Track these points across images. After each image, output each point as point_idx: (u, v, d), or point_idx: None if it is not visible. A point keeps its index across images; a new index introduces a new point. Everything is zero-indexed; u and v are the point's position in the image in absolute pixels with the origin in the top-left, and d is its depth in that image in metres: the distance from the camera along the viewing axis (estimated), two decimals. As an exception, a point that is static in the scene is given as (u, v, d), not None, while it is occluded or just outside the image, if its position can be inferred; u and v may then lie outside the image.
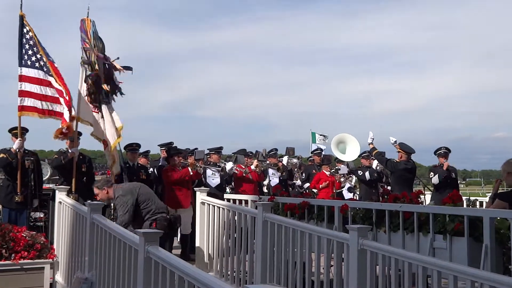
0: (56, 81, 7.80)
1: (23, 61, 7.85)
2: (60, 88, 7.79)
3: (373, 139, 10.30)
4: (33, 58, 7.84)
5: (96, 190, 7.03)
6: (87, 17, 8.10)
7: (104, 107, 8.16)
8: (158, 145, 10.69)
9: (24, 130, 8.17)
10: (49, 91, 7.84)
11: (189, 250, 8.97)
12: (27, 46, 7.88)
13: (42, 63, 7.87)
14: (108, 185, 7.01)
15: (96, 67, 7.95)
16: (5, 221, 7.67)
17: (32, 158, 8.19)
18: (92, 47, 7.96)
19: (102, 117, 8.16)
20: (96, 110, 8.25)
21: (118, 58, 8.21)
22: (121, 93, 8.30)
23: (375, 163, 11.86)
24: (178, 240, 9.75)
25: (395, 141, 9.93)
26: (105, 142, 8.21)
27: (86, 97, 8.11)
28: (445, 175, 10.54)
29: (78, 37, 8.10)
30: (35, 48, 7.88)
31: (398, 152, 9.82)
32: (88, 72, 8.05)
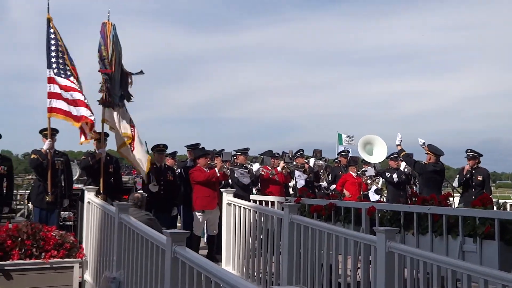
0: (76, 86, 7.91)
1: (51, 64, 7.99)
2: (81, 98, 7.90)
3: (401, 140, 10.18)
4: (61, 66, 7.92)
5: None
6: (108, 20, 8.17)
7: (116, 112, 8.26)
8: (185, 146, 10.76)
9: (54, 131, 8.31)
10: (76, 96, 7.91)
11: (215, 250, 9.00)
12: (53, 48, 8.00)
13: (68, 72, 7.95)
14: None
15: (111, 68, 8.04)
16: (36, 220, 7.81)
17: (62, 159, 8.33)
18: (109, 52, 8.02)
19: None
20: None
21: (142, 73, 8.36)
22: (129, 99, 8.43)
23: (403, 165, 11.73)
24: (205, 240, 9.79)
25: (424, 143, 9.80)
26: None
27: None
28: (463, 178, 10.40)
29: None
30: (60, 53, 7.98)
31: (427, 154, 9.69)
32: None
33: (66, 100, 7.89)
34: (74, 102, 7.87)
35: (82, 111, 7.82)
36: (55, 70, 7.92)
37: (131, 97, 8.52)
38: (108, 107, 8.21)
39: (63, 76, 7.93)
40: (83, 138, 8.05)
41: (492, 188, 12.31)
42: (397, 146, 10.29)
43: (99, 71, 8.09)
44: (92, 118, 7.90)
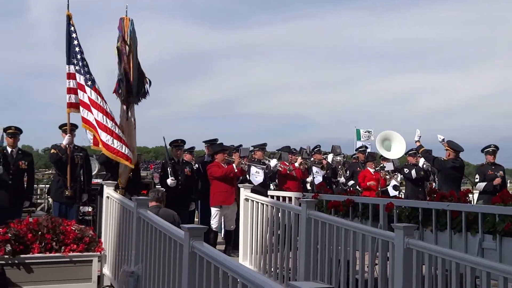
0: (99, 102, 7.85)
1: (71, 60, 8.01)
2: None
3: (420, 136, 10.11)
4: (87, 75, 7.86)
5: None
6: (126, 15, 8.14)
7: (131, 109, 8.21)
8: (203, 142, 10.80)
9: (74, 127, 8.38)
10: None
11: (232, 246, 9.03)
12: (76, 48, 7.98)
13: (90, 82, 7.87)
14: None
15: (129, 65, 7.96)
16: (55, 214, 7.90)
17: (81, 154, 8.43)
18: (127, 48, 7.96)
19: (127, 119, 8.15)
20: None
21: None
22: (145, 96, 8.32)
23: (421, 161, 11.64)
24: (222, 236, 9.83)
25: (443, 139, 9.70)
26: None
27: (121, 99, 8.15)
28: (491, 188, 10.08)
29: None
30: (85, 62, 7.94)
31: (446, 150, 9.61)
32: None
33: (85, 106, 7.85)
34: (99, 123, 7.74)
35: (112, 143, 7.69)
36: (77, 67, 7.92)
37: (146, 96, 8.39)
38: (127, 105, 8.18)
39: (89, 84, 7.87)
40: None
41: (510, 184, 12.13)
42: (416, 142, 10.21)
43: (113, 92, 8.05)
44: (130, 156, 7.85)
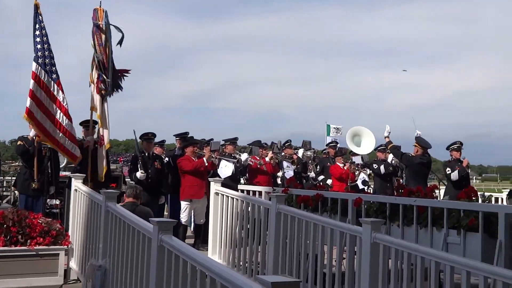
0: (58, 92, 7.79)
1: (37, 56, 7.80)
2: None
3: (389, 132, 10.24)
4: (47, 60, 7.71)
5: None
6: (100, 6, 7.98)
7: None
8: (174, 135, 10.74)
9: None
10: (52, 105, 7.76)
11: (202, 240, 9.02)
12: (44, 38, 7.77)
13: (53, 68, 7.79)
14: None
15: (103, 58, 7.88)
16: (21, 207, 7.77)
17: (49, 146, 8.29)
18: (103, 39, 7.85)
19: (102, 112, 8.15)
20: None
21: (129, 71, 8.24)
22: (120, 88, 8.31)
23: (390, 157, 11.80)
24: (192, 229, 9.80)
25: (420, 135, 9.85)
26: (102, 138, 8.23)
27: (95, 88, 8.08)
28: (465, 172, 10.39)
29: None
30: (52, 54, 7.80)
31: (414, 146, 9.76)
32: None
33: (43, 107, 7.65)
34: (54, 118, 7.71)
35: (64, 142, 7.77)
36: (39, 60, 7.70)
37: (120, 88, 8.35)
38: (103, 98, 8.11)
39: (54, 78, 7.71)
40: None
41: (478, 181, 12.47)
42: (385, 138, 10.34)
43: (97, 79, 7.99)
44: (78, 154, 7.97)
